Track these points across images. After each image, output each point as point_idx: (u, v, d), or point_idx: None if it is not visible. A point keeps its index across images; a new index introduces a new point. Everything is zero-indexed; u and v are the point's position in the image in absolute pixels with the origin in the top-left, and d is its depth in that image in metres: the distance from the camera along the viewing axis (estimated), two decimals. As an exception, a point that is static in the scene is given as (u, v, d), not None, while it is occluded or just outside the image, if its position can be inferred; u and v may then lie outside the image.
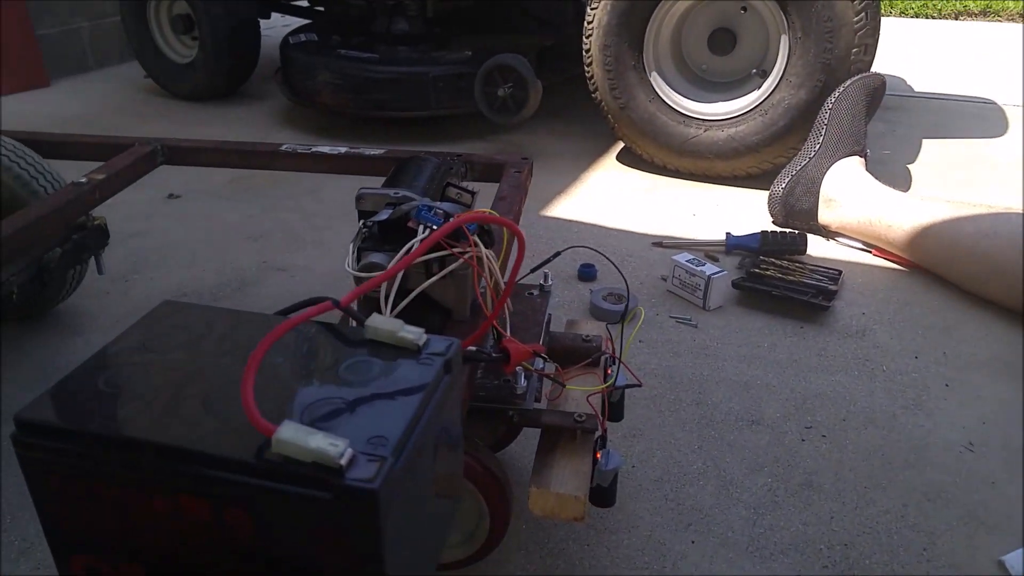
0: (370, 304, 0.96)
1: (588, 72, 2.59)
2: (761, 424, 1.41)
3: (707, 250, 2.05)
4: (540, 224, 2.22)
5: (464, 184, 1.11)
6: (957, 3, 6.08)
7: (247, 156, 1.64)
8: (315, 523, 0.53)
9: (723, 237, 2.07)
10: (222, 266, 1.96)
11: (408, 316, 1.01)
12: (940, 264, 1.93)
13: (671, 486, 1.26)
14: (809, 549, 1.15)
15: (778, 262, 1.93)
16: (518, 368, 0.98)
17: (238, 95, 3.45)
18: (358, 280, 0.95)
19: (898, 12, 6.11)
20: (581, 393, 1.08)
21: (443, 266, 0.95)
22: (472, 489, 1.01)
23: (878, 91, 2.30)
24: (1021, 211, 1.93)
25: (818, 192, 2.16)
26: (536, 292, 1.20)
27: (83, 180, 1.42)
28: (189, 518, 0.55)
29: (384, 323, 0.64)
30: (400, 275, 0.91)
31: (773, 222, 2.24)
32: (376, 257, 0.95)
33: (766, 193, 2.28)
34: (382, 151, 1.60)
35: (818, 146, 2.21)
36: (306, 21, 3.46)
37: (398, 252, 0.93)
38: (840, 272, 1.90)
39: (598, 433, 1.03)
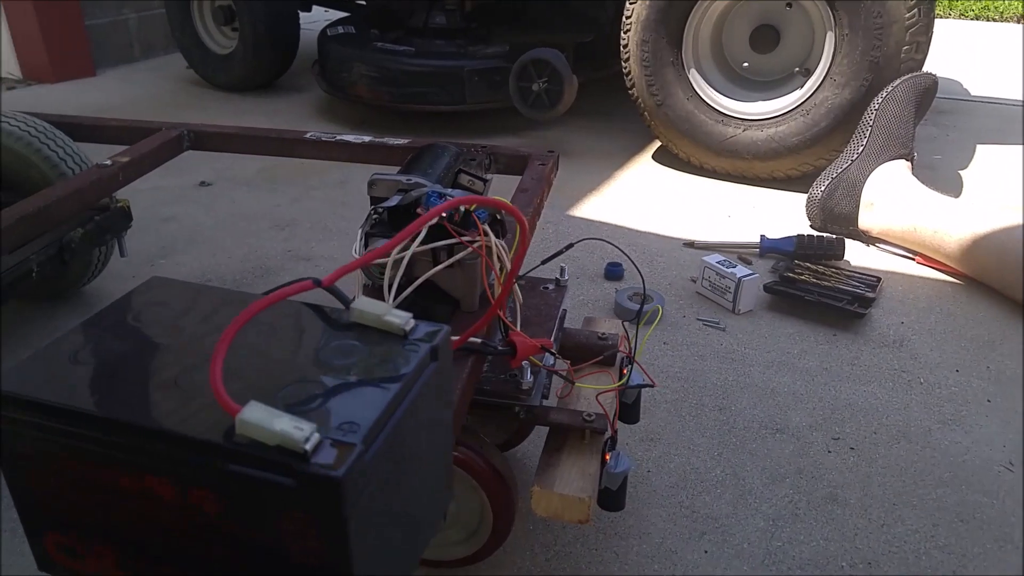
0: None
1: (625, 68, 2.54)
2: (786, 433, 1.36)
3: (740, 252, 1.99)
4: (567, 222, 2.18)
5: (477, 172, 1.07)
6: (1021, 5, 5.85)
7: (272, 143, 1.63)
8: (280, 509, 0.51)
9: (757, 239, 2.00)
10: (248, 253, 1.96)
11: (414, 305, 0.99)
12: (990, 274, 1.84)
13: (687, 493, 1.21)
14: (829, 566, 1.09)
15: (813, 267, 1.87)
16: (524, 363, 0.95)
17: (277, 87, 3.47)
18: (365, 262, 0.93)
19: (957, 14, 5.90)
20: (595, 392, 1.04)
21: (451, 255, 0.93)
22: (475, 485, 0.98)
23: (929, 92, 2.20)
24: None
25: (859, 196, 2.08)
26: (551, 287, 1.16)
27: (107, 163, 1.43)
28: (155, 497, 0.53)
29: (370, 306, 0.61)
30: (404, 262, 0.89)
31: (811, 226, 2.17)
32: (383, 243, 0.93)
33: (804, 196, 2.21)
34: (406, 140, 1.57)
35: (862, 148, 2.13)
36: (346, 15, 3.47)
37: (412, 238, 0.91)
38: (879, 279, 1.82)
39: (608, 434, 0.99)
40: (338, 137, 1.60)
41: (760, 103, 2.44)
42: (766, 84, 2.49)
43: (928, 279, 1.90)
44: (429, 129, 2.89)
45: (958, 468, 1.28)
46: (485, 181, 1.00)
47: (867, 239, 2.09)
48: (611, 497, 1.00)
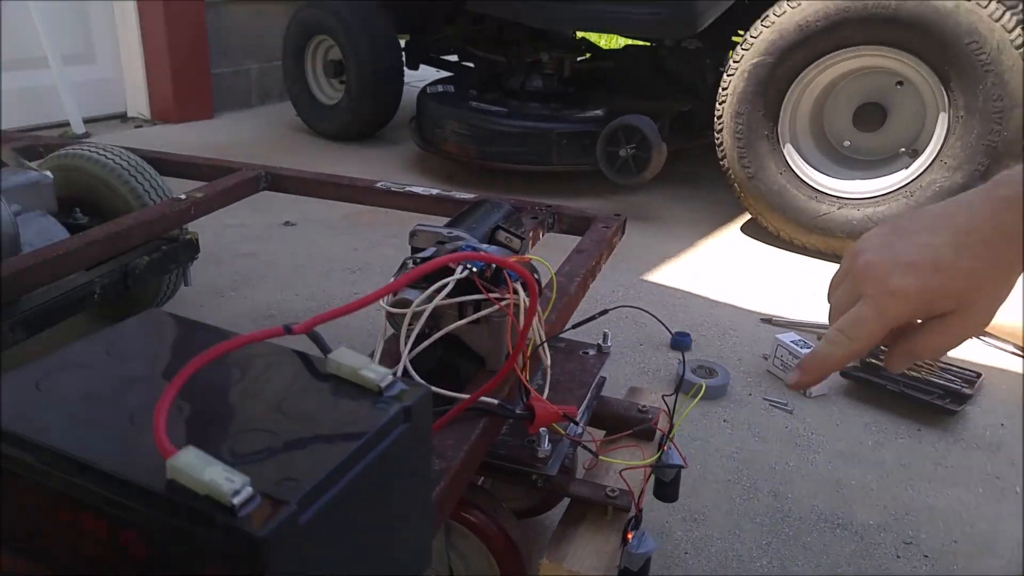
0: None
1: (718, 139, 2.48)
2: (848, 530, 1.22)
3: (819, 332, 1.86)
4: (640, 286, 2.11)
5: (514, 229, 1.04)
6: None
7: (344, 189, 1.66)
8: (203, 561, 0.47)
9: (842, 322, 1.87)
10: (315, 293, 1.99)
11: (436, 359, 0.95)
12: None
13: (727, 590, 1.11)
14: None
15: (902, 356, 1.72)
16: (542, 430, 0.89)
17: (377, 138, 3.59)
18: (389, 315, 0.91)
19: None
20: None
21: (478, 310, 0.89)
22: (484, 550, 0.93)
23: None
24: None
25: (961, 284, 1.92)
26: (591, 352, 1.10)
27: (182, 197, 1.49)
28: (89, 534, 0.51)
29: (348, 358, 0.58)
30: (426, 314, 0.86)
31: (905, 312, 2.01)
32: (409, 293, 0.90)
33: (900, 280, 2.06)
34: (473, 195, 1.57)
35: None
36: (450, 74, 3.57)
37: (436, 289, 0.89)
38: (979, 375, 1.66)
39: (632, 513, 0.91)
40: (407, 188, 1.61)
41: (859, 182, 2.32)
42: (866, 163, 2.37)
43: (1036, 381, 1.72)
44: (515, 187, 2.90)
45: (1051, 601, 1.12)
46: (522, 239, 0.96)
47: (968, 331, 1.91)
48: (632, 581, 0.91)
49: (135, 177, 1.61)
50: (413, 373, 0.84)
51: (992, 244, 0.55)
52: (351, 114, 3.40)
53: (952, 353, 1.79)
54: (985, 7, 2.00)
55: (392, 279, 0.98)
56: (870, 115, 2.33)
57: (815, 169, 2.39)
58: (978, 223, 0.55)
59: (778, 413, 1.54)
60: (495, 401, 0.86)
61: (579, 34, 3.59)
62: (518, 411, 0.86)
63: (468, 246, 0.92)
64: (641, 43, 3.19)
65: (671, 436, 0.99)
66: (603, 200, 2.84)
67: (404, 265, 0.99)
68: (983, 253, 0.55)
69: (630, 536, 0.91)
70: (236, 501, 0.45)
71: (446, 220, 1.13)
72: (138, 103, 3.74)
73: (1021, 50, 2.00)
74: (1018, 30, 1.99)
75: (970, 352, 1.83)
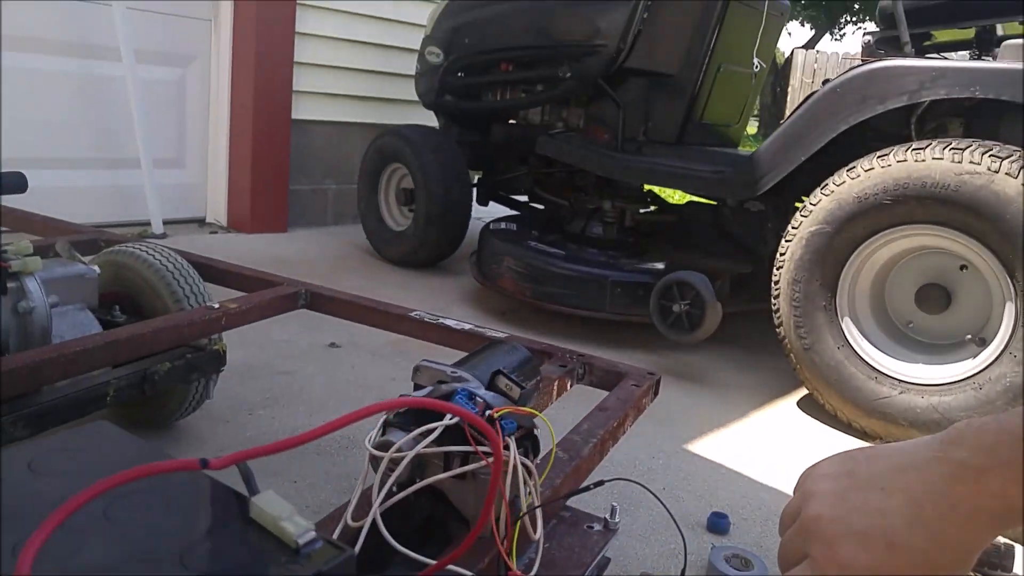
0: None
1: (775, 305, 2.39)
2: None
3: (870, 532, 1.68)
4: (681, 456, 1.98)
5: (526, 376, 0.98)
6: None
7: (379, 315, 1.65)
8: None
9: (897, 521, 1.69)
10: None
11: (422, 517, 0.87)
12: None
13: None
14: None
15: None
16: (519, 614, 0.79)
17: (440, 268, 3.64)
18: (371, 456, 0.84)
19: None
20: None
21: (465, 463, 0.82)
22: None
23: None
24: None
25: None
26: (597, 526, 1.00)
27: (216, 306, 1.49)
28: None
29: (272, 505, 0.51)
30: (404, 462, 0.79)
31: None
32: (395, 435, 0.84)
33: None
34: (505, 335, 1.52)
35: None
36: (515, 213, 3.64)
37: (421, 434, 0.82)
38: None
39: None
40: (440, 320, 1.59)
41: (923, 366, 2.18)
42: (931, 346, 2.23)
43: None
44: (566, 330, 2.85)
45: None
46: (523, 388, 0.90)
47: (1043, 551, 1.70)
48: None
49: (178, 280, 1.63)
50: (383, 529, 0.76)
51: (947, 520, 0.51)
52: (416, 242, 3.47)
53: None
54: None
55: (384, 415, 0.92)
56: (934, 297, 2.22)
57: (876, 347, 2.26)
58: (932, 493, 0.52)
59: (813, 619, 1.37)
60: (468, 573, 0.76)
61: (647, 186, 3.64)
62: (492, 588, 0.77)
63: (465, 390, 0.85)
64: (704, 201, 3.20)
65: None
66: (655, 355, 2.76)
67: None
68: (938, 531, 0.51)
69: None
70: None
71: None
72: (217, 210, 3.92)
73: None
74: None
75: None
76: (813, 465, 0.64)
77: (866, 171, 2.15)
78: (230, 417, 1.87)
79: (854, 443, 2.20)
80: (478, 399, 0.85)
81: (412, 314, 1.60)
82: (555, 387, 1.33)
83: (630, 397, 1.29)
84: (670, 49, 2.99)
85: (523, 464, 0.82)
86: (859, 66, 2.36)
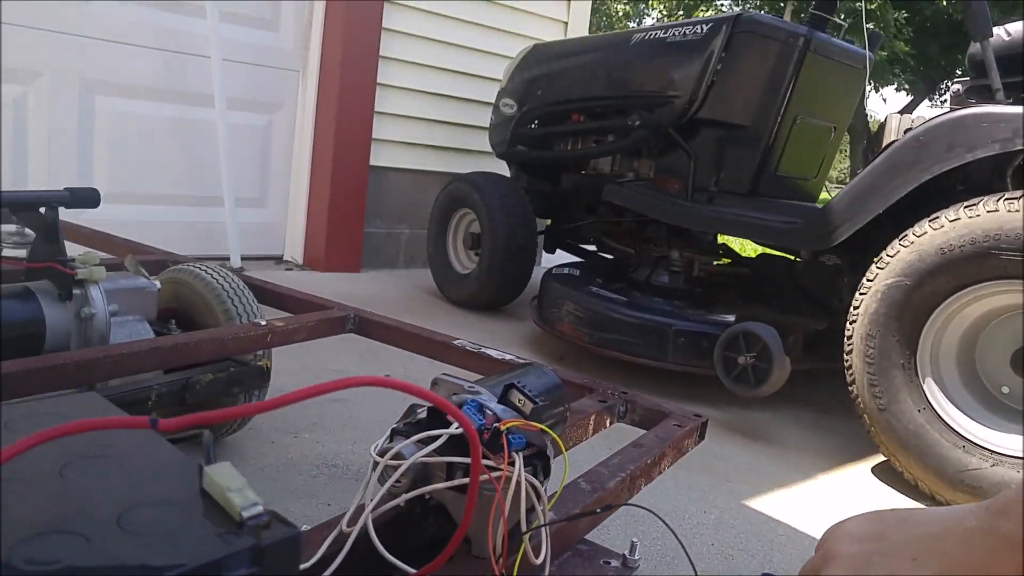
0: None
1: (847, 361, 2.26)
2: None
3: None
4: (737, 512, 1.86)
5: (551, 400, 0.93)
6: None
7: (423, 342, 1.64)
8: None
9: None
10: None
11: (429, 535, 0.83)
12: None
13: None
14: None
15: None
16: (513, 643, 0.73)
17: (503, 311, 3.62)
18: (373, 463, 0.82)
19: None
20: None
21: (466, 475, 0.77)
22: None
23: None
24: None
25: None
26: (615, 562, 0.93)
27: (262, 322, 1.50)
28: None
29: (222, 476, 0.48)
30: (401, 469, 0.76)
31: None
32: (400, 443, 0.81)
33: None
34: (550, 368, 1.48)
35: None
36: (580, 260, 3.61)
37: (427, 443, 0.79)
38: None
39: None
40: (482, 349, 1.56)
41: (1018, 437, 2.00)
42: (1028, 414, 2.05)
43: None
44: (625, 377, 2.77)
45: None
46: (536, 403, 0.85)
47: None
48: None
49: (232, 299, 1.66)
50: (373, 535, 0.73)
51: None
52: (480, 284, 3.47)
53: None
54: None
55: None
56: (1032, 363, 2.05)
57: (963, 413, 2.09)
58: (971, 567, 0.46)
59: None
60: (459, 590, 0.72)
61: (720, 238, 3.56)
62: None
63: (475, 402, 0.82)
64: (778, 254, 3.09)
65: None
66: (718, 410, 2.64)
67: (410, 411, 0.91)
68: None
69: None
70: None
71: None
72: (294, 249, 4.04)
73: None
74: None
75: None
76: (839, 523, 0.59)
77: (951, 221, 2.03)
78: (275, 438, 1.88)
79: (932, 514, 2.02)
80: (488, 411, 0.81)
81: (455, 342, 1.58)
82: (591, 421, 1.27)
83: (670, 436, 1.22)
84: (744, 100, 2.94)
85: (529, 483, 0.77)
86: (945, 114, 2.25)
